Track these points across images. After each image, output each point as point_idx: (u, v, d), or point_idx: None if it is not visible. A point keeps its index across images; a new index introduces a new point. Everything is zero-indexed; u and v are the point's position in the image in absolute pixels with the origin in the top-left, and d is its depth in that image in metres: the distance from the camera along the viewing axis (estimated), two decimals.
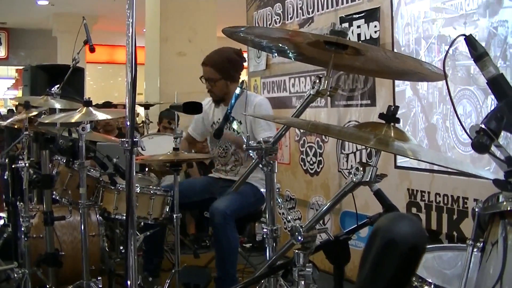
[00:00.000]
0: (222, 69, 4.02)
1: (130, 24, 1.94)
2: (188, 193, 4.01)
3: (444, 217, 3.58)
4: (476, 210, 1.37)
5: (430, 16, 3.70)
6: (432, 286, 1.86)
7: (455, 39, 1.39)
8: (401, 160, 3.91)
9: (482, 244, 1.34)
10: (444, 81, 1.49)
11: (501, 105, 1.32)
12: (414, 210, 3.80)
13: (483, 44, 3.24)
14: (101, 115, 3.44)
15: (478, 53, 1.36)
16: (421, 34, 3.77)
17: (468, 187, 3.40)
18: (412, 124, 3.83)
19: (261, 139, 2.22)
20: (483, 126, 1.26)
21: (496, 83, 1.34)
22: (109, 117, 3.60)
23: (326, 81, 1.94)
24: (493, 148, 1.28)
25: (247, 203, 3.92)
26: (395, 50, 3.93)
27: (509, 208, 1.27)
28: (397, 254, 1.29)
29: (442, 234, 3.57)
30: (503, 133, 1.35)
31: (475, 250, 1.38)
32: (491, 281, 1.24)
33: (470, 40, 1.36)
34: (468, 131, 1.28)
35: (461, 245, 2.69)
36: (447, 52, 1.47)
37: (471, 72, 3.35)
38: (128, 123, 1.98)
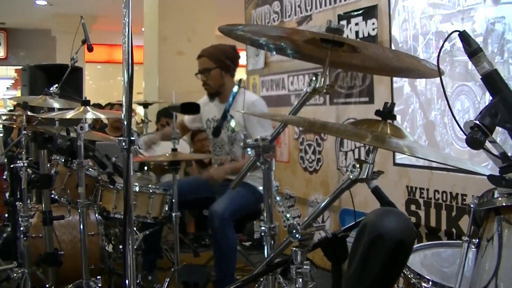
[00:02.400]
0: (216, 58, 4.10)
1: (126, 24, 1.95)
2: (187, 191, 4.02)
3: (443, 214, 3.58)
4: (472, 206, 1.37)
5: (427, 12, 3.70)
6: (430, 283, 1.87)
7: (449, 35, 1.39)
8: (400, 157, 3.91)
9: (477, 240, 1.34)
10: (441, 77, 1.49)
11: (495, 100, 1.31)
12: (413, 207, 3.80)
13: (481, 39, 3.25)
14: (98, 114, 3.44)
15: (472, 49, 1.35)
16: (418, 30, 3.77)
17: (467, 184, 3.40)
18: (410, 121, 3.83)
19: (259, 137, 2.22)
20: (477, 122, 1.26)
21: (490, 79, 1.34)
22: (102, 116, 3.60)
23: (323, 79, 1.94)
24: (487, 144, 1.28)
25: (246, 204, 3.93)
26: (393, 47, 3.93)
27: (504, 204, 1.27)
28: (385, 249, 1.29)
29: (441, 231, 3.58)
30: (500, 129, 1.35)
31: (471, 246, 1.38)
32: (487, 276, 1.24)
33: (464, 36, 1.35)
34: (462, 127, 1.28)
35: (460, 241, 2.69)
36: (441, 48, 1.46)
37: (469, 67, 3.36)
38: (125, 122, 1.98)
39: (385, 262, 1.32)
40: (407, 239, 1.32)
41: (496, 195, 1.31)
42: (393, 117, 1.64)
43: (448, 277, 1.92)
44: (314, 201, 4.90)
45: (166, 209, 3.67)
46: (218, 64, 4.07)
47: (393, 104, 1.64)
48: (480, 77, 1.36)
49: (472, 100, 3.35)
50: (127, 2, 1.94)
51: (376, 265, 1.33)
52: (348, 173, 1.63)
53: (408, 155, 1.56)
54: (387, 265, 1.32)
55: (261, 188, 3.84)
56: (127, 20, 1.95)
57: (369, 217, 1.42)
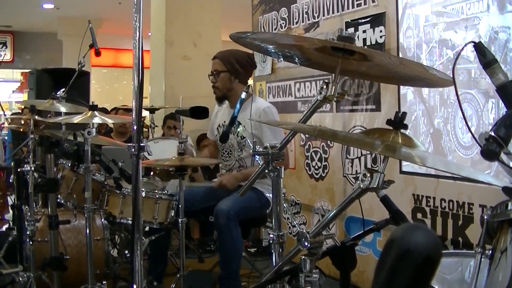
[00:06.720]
0: (228, 62, 4.10)
1: (137, 28, 1.95)
2: (193, 202, 4.02)
3: (450, 223, 3.57)
4: (485, 217, 1.36)
5: (431, 20, 3.71)
6: None
7: (464, 46, 1.39)
8: (406, 166, 3.90)
9: (491, 251, 1.33)
10: (456, 88, 1.48)
11: (510, 112, 1.31)
12: (419, 215, 3.79)
13: None
14: (106, 119, 3.45)
15: (487, 60, 1.35)
16: (422, 38, 3.78)
17: (473, 192, 3.39)
18: (414, 128, 3.83)
19: (268, 144, 2.22)
20: (492, 133, 1.25)
21: (505, 90, 1.33)
22: (109, 121, 3.61)
23: (334, 87, 1.94)
24: (502, 156, 1.27)
25: (251, 207, 3.92)
26: (400, 55, 3.93)
27: None
28: (412, 265, 1.28)
29: (448, 240, 3.56)
30: None
31: (483, 257, 1.37)
32: None
33: (479, 47, 1.35)
34: (477, 138, 1.27)
35: (463, 251, 2.69)
36: (456, 58, 1.44)
37: (472, 75, 3.36)
38: (135, 127, 1.98)
39: (413, 278, 1.30)
40: (435, 255, 1.31)
41: (510, 207, 1.30)
42: (405, 127, 1.64)
43: (450, 284, 1.93)
44: (320, 208, 4.89)
45: (172, 214, 3.67)
46: (228, 68, 4.08)
47: (404, 114, 1.64)
48: (495, 88, 1.36)
49: (475, 107, 3.35)
50: (138, 7, 1.95)
51: (403, 281, 1.32)
52: (358, 182, 1.63)
53: (419, 165, 1.55)
54: (414, 282, 1.31)
55: (268, 194, 3.87)
56: (138, 24, 1.95)
57: (396, 233, 1.41)
